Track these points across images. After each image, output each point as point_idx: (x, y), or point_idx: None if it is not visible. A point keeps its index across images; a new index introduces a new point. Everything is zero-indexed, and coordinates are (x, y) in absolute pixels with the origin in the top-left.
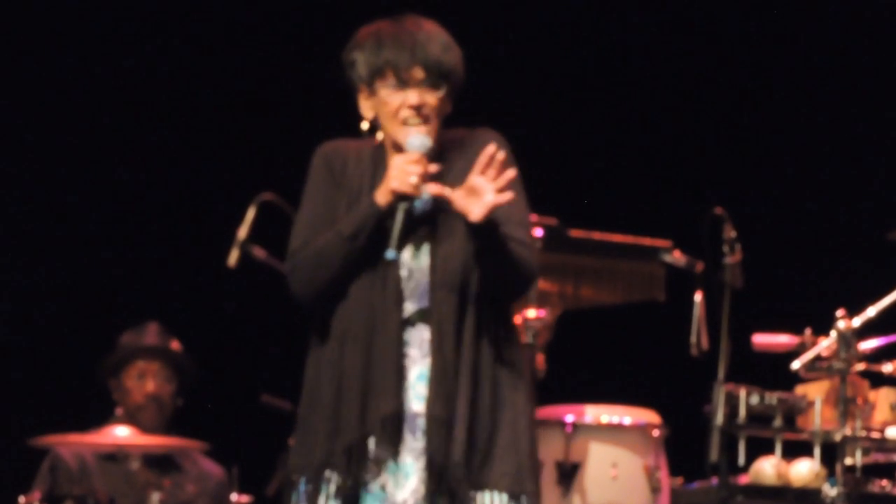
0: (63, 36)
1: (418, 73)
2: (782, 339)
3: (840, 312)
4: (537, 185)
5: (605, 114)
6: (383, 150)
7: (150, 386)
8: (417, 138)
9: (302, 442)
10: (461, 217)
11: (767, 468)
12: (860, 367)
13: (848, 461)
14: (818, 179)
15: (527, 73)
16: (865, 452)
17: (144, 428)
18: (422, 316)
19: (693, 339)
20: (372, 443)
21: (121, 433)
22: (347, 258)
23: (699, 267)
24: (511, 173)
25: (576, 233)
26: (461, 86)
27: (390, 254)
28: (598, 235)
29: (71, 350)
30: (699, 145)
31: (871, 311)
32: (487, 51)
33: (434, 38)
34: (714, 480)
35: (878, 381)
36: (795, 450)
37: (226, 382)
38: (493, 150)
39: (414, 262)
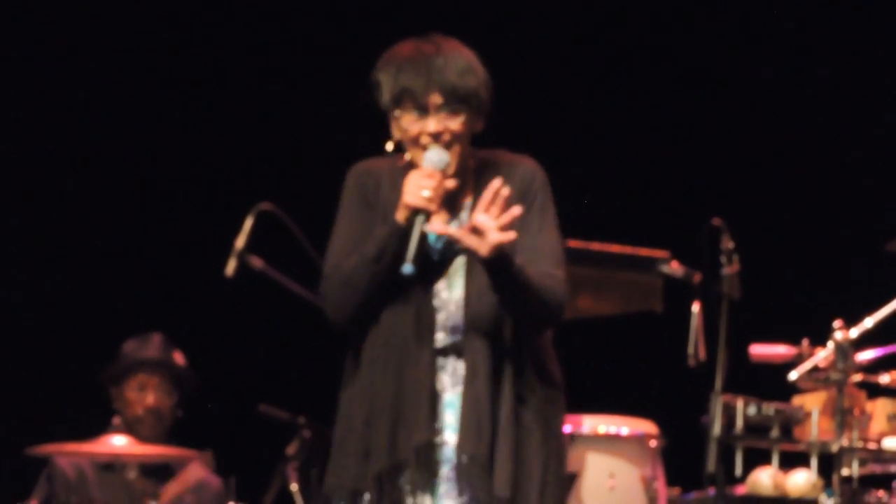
0: (70, 55)
1: (436, 99)
2: (780, 350)
3: (837, 323)
4: None
5: (603, 125)
6: (413, 169)
7: (151, 399)
8: (434, 153)
9: (337, 463)
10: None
11: (764, 479)
12: (857, 377)
13: (845, 472)
14: (816, 190)
15: (524, 84)
16: (862, 463)
17: (143, 439)
18: (455, 349)
19: (690, 349)
20: (407, 469)
21: (118, 442)
22: (373, 280)
23: (697, 278)
24: (516, 211)
25: (573, 243)
26: (487, 105)
27: (407, 268)
28: (595, 246)
29: (69, 360)
30: (697, 156)
31: (869, 322)
32: (487, 62)
33: (452, 61)
34: (711, 491)
35: (874, 391)
36: (792, 460)
37: (224, 392)
38: (497, 186)
39: (448, 295)
